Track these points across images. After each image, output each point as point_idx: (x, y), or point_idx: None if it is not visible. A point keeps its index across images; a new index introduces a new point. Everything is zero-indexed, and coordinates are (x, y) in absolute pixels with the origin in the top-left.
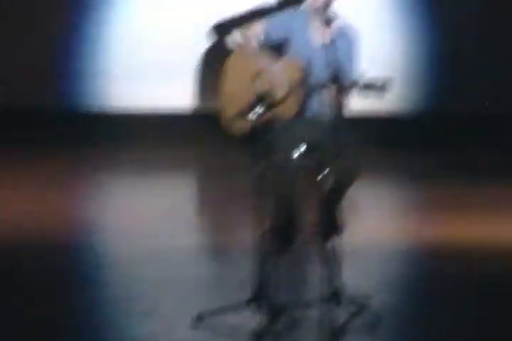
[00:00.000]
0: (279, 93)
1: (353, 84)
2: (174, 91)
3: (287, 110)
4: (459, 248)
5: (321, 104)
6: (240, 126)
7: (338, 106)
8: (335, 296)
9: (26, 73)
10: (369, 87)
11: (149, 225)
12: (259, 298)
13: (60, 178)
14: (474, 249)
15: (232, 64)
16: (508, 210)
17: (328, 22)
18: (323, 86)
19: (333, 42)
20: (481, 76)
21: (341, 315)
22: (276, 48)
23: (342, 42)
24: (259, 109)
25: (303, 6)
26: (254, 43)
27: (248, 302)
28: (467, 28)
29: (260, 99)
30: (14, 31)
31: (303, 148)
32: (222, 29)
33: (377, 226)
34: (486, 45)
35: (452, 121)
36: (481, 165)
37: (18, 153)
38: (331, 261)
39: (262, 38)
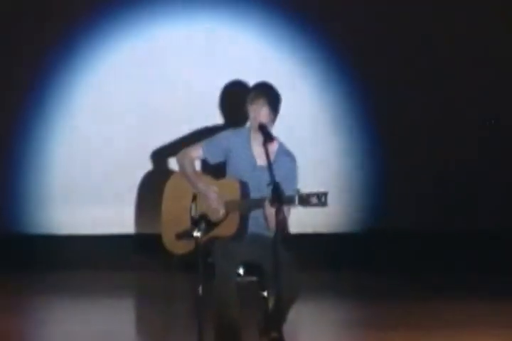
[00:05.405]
0: (217, 215)
1: (291, 200)
2: (115, 214)
3: (226, 230)
4: None
5: (260, 222)
6: (181, 247)
7: (278, 223)
8: None
9: None
10: (307, 202)
11: None
12: None
13: None
14: None
15: (171, 186)
16: (453, 328)
17: (269, 140)
18: (262, 205)
19: (276, 160)
20: (424, 193)
21: None
22: (218, 167)
23: (284, 161)
24: (197, 232)
25: (244, 126)
26: (192, 167)
27: None
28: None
29: (198, 221)
30: None
31: (241, 270)
32: (162, 153)
33: None
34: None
35: (395, 239)
36: (426, 283)
37: None
38: None
39: (201, 159)
